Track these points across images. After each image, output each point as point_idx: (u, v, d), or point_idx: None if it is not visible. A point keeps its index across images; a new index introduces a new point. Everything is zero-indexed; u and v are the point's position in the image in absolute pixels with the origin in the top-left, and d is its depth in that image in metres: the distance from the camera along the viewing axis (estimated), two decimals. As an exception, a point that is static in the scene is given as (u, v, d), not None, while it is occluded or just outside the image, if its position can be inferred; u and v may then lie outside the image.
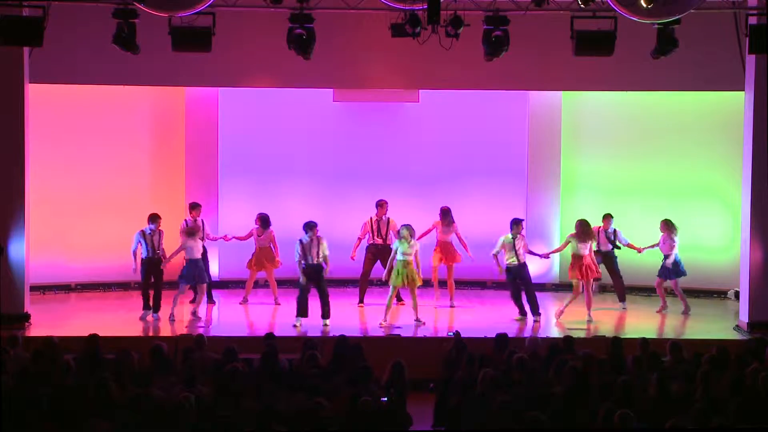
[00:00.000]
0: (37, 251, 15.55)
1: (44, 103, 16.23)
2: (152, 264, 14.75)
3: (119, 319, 14.81)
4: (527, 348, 11.38)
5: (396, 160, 18.06)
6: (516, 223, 14.78)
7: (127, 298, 16.85)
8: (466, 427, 9.04)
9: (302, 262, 14.15)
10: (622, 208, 17.64)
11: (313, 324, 14.44)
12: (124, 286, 17.45)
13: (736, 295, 15.56)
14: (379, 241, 15.98)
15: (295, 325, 14.07)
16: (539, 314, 14.76)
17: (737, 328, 14.39)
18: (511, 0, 13.59)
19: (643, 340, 11.35)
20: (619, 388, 9.22)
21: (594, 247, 15.17)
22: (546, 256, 15.35)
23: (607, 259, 15.94)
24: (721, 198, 17.23)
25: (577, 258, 14.84)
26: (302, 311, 14.15)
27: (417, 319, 14.49)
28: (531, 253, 14.95)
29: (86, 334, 11.30)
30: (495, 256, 14.85)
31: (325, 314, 14.23)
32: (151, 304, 14.82)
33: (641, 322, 15.11)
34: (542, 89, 17.34)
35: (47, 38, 12.94)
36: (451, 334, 12.83)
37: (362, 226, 16.13)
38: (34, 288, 15.49)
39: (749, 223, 14.41)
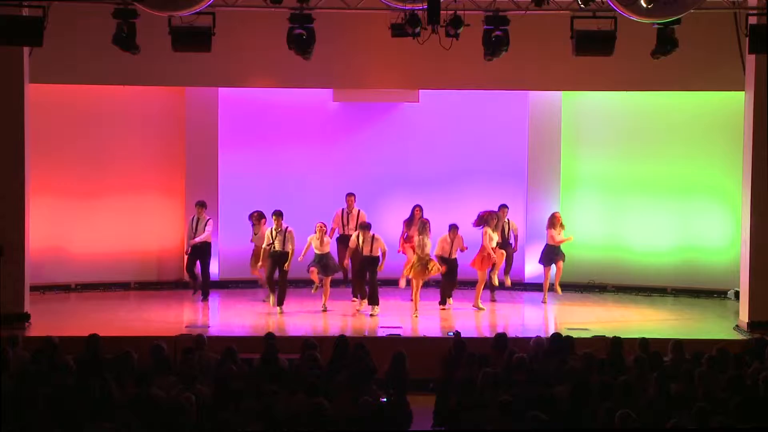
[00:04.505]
0: (37, 251, 15.55)
1: (44, 103, 16.21)
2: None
3: (119, 319, 14.81)
4: (531, 348, 11.37)
5: (396, 159, 18.05)
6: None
7: (126, 298, 16.87)
8: (466, 427, 9.04)
9: None
10: (622, 208, 17.66)
11: (313, 324, 14.51)
12: (124, 286, 17.47)
13: (736, 295, 15.55)
14: (348, 232, 16.11)
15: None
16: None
17: (737, 328, 14.39)
18: (511, 0, 13.59)
19: (643, 340, 11.34)
20: (619, 388, 9.22)
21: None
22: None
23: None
24: (721, 198, 17.22)
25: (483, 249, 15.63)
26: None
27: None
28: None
29: (86, 334, 11.28)
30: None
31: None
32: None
33: (639, 322, 15.13)
34: (542, 89, 17.33)
35: (47, 38, 12.93)
36: (451, 334, 12.82)
37: (333, 218, 16.33)
38: (34, 288, 15.47)
39: (749, 223, 14.41)
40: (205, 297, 16.25)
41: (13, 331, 12.58)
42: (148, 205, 17.65)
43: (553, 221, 16.26)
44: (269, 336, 11.51)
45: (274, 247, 15.23)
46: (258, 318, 14.97)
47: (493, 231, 15.59)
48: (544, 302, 16.29)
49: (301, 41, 13.28)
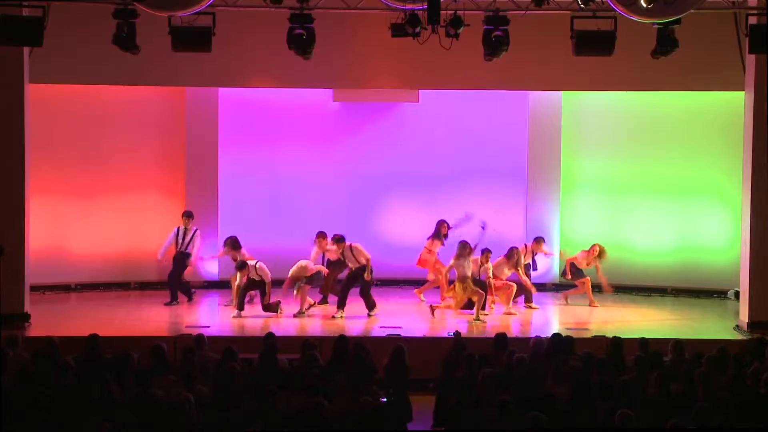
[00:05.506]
0: (37, 251, 15.55)
1: (44, 102, 16.22)
2: None
3: (119, 319, 14.81)
4: (531, 348, 11.37)
5: (396, 160, 18.04)
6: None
7: (126, 298, 16.86)
8: (466, 427, 9.04)
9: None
10: (622, 208, 17.66)
11: (313, 324, 14.51)
12: (124, 286, 17.47)
13: (736, 295, 15.56)
14: (331, 256, 15.62)
15: None
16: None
17: (737, 328, 14.39)
18: (511, 0, 13.59)
19: (643, 340, 11.34)
20: (619, 388, 9.22)
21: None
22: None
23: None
24: (721, 198, 17.21)
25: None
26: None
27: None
28: None
29: (86, 334, 11.29)
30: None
31: None
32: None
33: (639, 322, 15.14)
34: (542, 89, 17.32)
35: (47, 38, 12.95)
36: (451, 334, 12.82)
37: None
38: (34, 288, 15.47)
39: (749, 224, 14.41)
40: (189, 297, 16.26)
41: (13, 331, 12.59)
42: (148, 205, 17.65)
43: (598, 254, 16.09)
44: (269, 336, 11.51)
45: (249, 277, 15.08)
46: (258, 318, 14.96)
47: (509, 267, 15.43)
48: (594, 305, 16.13)
49: (301, 41, 13.28)
